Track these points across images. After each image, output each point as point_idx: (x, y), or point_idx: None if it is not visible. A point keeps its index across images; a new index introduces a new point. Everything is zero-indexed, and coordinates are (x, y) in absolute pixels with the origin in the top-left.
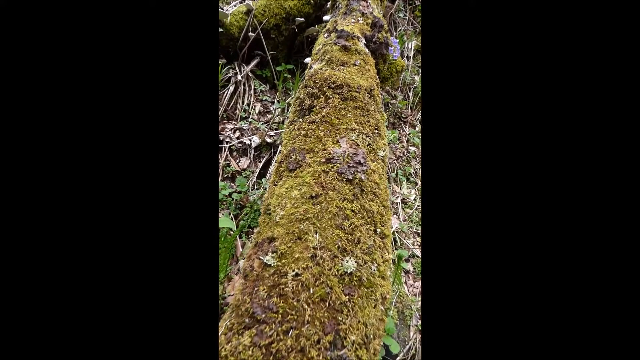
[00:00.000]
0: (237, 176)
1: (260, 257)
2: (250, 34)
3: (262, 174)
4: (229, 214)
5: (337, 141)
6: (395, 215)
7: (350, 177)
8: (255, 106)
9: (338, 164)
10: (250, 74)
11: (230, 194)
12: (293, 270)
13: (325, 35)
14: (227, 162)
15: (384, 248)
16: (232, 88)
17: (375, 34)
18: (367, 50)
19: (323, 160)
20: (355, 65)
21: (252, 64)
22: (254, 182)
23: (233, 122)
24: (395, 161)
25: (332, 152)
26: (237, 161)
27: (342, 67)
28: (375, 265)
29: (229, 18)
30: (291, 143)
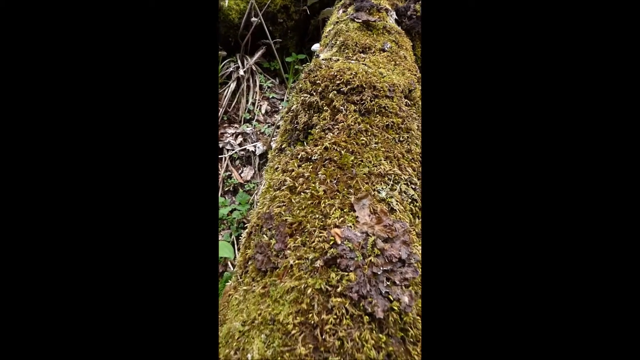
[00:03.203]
0: (240, 189)
1: None
2: (253, 19)
3: None
4: (230, 235)
5: (351, 206)
6: None
7: (380, 310)
8: (261, 105)
9: (350, 271)
10: (254, 67)
11: (231, 211)
12: None
13: (341, 10)
14: (227, 173)
15: None
16: (233, 85)
17: (411, 4)
18: (399, 29)
19: (319, 261)
20: (384, 50)
21: (257, 55)
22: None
23: (235, 125)
24: None
25: (339, 238)
26: (240, 172)
27: (362, 55)
28: None
29: (226, 1)
30: (269, 200)
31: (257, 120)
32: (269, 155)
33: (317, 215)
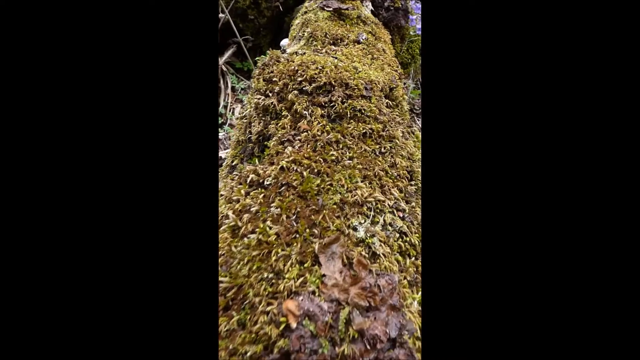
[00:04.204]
0: None
1: None
2: (220, 15)
3: None
4: None
5: (315, 258)
6: None
7: None
8: (234, 108)
9: None
10: (225, 67)
11: None
12: None
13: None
14: None
15: None
16: None
17: None
18: (376, 20)
19: None
20: (359, 42)
21: (227, 54)
22: None
23: None
24: None
25: (294, 319)
26: None
27: (332, 48)
28: None
29: None
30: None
31: (230, 125)
32: (220, 174)
33: (265, 275)
